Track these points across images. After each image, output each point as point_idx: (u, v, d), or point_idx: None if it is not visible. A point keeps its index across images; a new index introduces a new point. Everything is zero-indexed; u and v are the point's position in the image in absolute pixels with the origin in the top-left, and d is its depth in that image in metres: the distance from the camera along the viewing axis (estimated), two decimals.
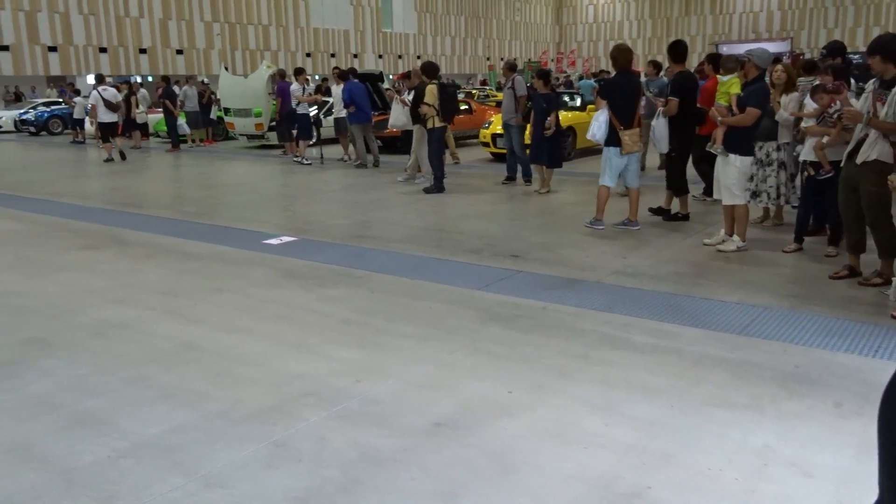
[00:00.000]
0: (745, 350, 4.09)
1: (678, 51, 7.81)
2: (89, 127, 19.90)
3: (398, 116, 12.37)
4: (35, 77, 34.92)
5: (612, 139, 7.34)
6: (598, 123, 7.44)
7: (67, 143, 20.34)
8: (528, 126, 10.34)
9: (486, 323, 4.63)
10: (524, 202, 9.40)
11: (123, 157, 15.26)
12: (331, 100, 15.31)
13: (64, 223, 8.40)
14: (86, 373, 3.94)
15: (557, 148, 10.07)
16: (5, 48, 34.19)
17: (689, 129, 7.72)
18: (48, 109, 25.38)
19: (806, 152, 6.25)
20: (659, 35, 61.85)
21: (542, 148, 9.84)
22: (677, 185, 7.78)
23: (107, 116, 15.22)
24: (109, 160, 14.98)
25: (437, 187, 10.21)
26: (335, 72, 14.57)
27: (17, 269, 6.27)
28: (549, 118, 9.64)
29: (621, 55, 7.35)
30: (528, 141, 10.35)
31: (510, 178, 10.93)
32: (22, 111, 26.03)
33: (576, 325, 4.56)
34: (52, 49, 35.60)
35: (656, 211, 8.04)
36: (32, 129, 24.56)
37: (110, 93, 15.43)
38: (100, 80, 16.25)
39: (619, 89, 7.36)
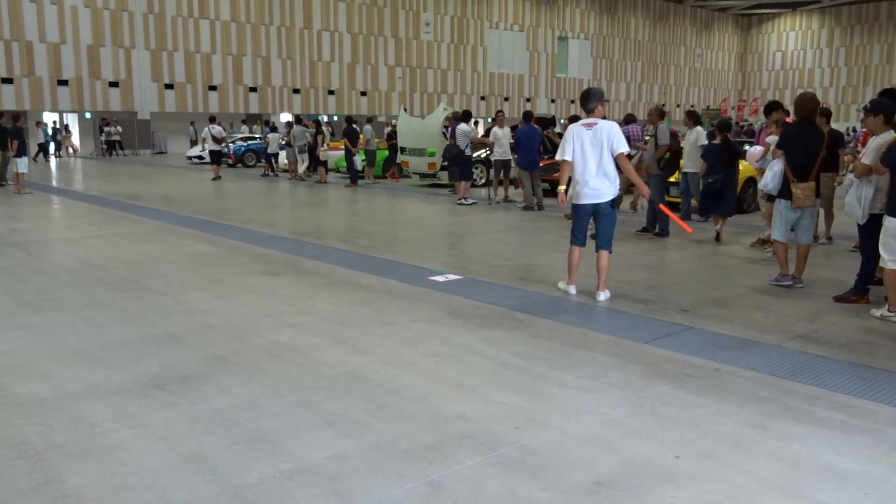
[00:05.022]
0: None
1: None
2: (283, 160, 21.75)
3: None
4: (236, 114, 38.48)
5: (785, 191, 7.00)
6: (771, 173, 7.19)
7: (259, 176, 22.07)
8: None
9: (654, 380, 4.40)
10: (697, 254, 8.96)
11: (219, 177, 20.59)
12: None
13: (250, 249, 9.05)
14: (259, 392, 4.16)
15: (731, 196, 9.86)
16: (213, 88, 37.97)
17: None
18: (245, 144, 27.79)
19: None
20: (854, 84, 57.70)
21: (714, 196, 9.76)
22: None
23: (214, 146, 20.84)
24: (217, 178, 20.43)
25: None
26: (499, 115, 14.83)
27: (208, 289, 6.80)
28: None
29: (806, 104, 6.93)
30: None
31: (645, 230, 10.44)
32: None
33: (753, 392, 4.21)
34: (253, 90, 39.08)
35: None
36: (230, 161, 26.95)
37: (216, 129, 20.75)
38: (211, 119, 21.27)
39: (798, 140, 6.92)
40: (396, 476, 3.16)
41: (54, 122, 35.03)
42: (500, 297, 6.51)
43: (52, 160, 31.41)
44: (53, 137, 34.25)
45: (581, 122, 6.46)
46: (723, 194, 9.66)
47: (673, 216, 7.81)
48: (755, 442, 3.53)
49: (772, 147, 8.03)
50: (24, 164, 16.32)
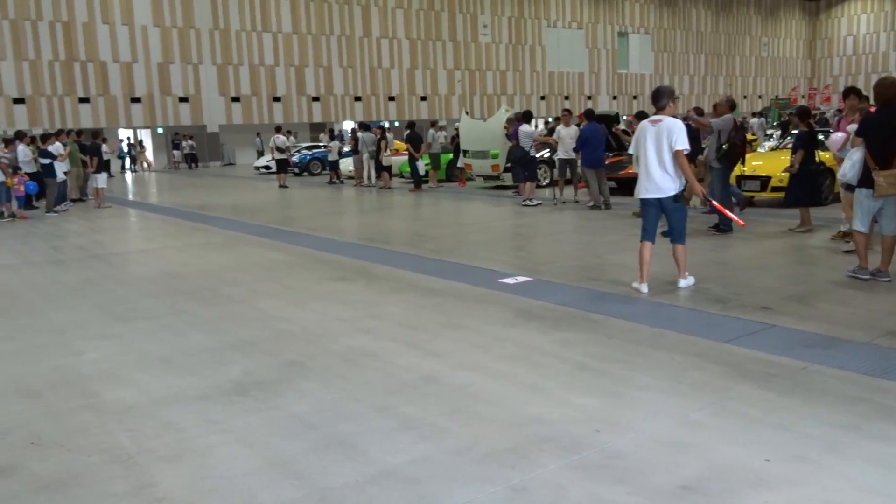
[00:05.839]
0: None
1: None
2: (347, 168, 22.10)
3: None
4: (300, 124, 39.20)
5: (866, 180, 6.72)
6: (850, 162, 6.98)
7: (324, 184, 22.44)
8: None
9: (736, 380, 4.27)
10: (771, 249, 8.67)
11: (285, 185, 21.19)
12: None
13: (320, 256, 9.21)
14: (337, 397, 4.21)
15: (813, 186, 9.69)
16: (278, 99, 38.81)
17: None
18: (310, 153, 28.29)
19: None
20: None
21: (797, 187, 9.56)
22: None
23: (279, 155, 21.68)
24: (283, 187, 21.03)
25: None
26: (565, 114, 14.71)
27: (281, 297, 6.94)
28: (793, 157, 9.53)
29: (886, 89, 6.64)
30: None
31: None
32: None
33: (843, 391, 4.04)
34: (316, 99, 39.76)
35: None
36: (297, 170, 27.47)
37: (280, 139, 21.52)
38: (277, 129, 21.96)
39: (879, 127, 6.63)
40: (478, 480, 3.15)
41: (128, 138, 36.44)
42: (571, 298, 6.44)
43: (128, 175, 32.66)
44: (129, 153, 35.72)
45: (649, 118, 6.67)
46: (816, 184, 9.56)
47: (724, 211, 7.79)
48: (849, 444, 3.39)
49: (851, 135, 7.73)
50: (102, 179, 17.02)
